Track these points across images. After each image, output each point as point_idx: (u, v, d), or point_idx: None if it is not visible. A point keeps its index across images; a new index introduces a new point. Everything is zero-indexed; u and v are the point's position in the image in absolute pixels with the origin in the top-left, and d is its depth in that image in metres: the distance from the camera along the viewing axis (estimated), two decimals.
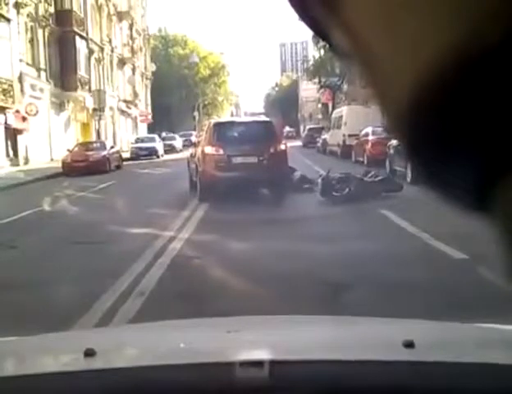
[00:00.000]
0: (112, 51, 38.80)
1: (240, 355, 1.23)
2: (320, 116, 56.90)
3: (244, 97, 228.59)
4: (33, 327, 2.74)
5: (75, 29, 30.44)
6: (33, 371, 1.24)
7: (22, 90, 25.16)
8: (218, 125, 11.46)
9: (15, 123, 24.12)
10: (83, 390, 1.07)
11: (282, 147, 10.75)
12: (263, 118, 15.39)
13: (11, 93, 23.84)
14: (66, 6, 30.26)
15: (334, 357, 1.20)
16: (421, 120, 0.23)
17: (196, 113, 51.20)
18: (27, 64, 26.25)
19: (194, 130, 40.05)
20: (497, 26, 0.20)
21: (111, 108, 36.52)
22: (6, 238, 7.49)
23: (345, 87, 41.70)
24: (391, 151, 14.33)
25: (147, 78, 49.97)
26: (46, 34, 28.46)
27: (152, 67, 51.34)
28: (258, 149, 10.29)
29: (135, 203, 11.03)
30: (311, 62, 49.18)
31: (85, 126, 32.62)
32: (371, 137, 17.84)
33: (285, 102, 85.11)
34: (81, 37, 31.33)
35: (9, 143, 24.41)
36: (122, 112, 40.45)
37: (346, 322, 1.82)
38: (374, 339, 1.41)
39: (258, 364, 1.01)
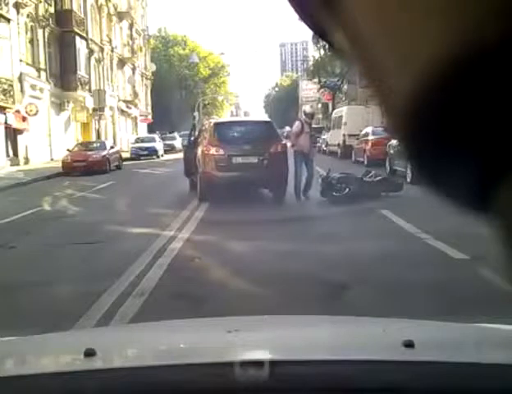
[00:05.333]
0: (112, 51, 38.77)
1: (240, 355, 1.23)
2: (320, 116, 56.89)
3: (244, 97, 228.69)
4: (33, 327, 2.74)
5: (75, 29, 30.42)
6: (33, 371, 1.24)
7: (22, 90, 25.16)
8: (219, 125, 11.45)
9: (15, 123, 24.11)
10: (83, 390, 1.07)
11: (283, 147, 10.74)
12: (263, 118, 15.39)
13: (11, 93, 23.83)
14: (66, 6, 30.24)
15: (334, 357, 1.20)
16: (421, 120, 0.23)
17: (196, 113, 51.19)
18: (27, 64, 26.24)
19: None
20: (497, 25, 0.20)
21: (111, 108, 36.50)
22: (6, 238, 7.49)
23: (345, 87, 41.68)
24: (391, 151, 14.35)
25: (147, 78, 49.96)
26: (46, 34, 28.45)
27: (152, 67, 51.31)
28: (259, 149, 10.28)
29: (135, 203, 11.03)
30: (311, 62, 49.19)
31: (85, 126, 32.61)
32: (371, 137, 17.85)
33: (285, 102, 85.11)
34: (81, 37, 31.31)
35: (9, 143, 24.41)
36: (122, 112, 40.43)
37: (346, 322, 1.82)
38: (374, 339, 1.41)
39: (258, 364, 1.01)
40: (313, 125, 12.02)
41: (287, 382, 1.03)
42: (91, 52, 33.49)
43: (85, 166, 19.57)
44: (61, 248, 6.81)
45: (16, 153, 24.82)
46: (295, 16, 0.30)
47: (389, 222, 7.81)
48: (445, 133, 0.23)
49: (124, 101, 40.83)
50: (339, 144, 22.87)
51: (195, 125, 14.87)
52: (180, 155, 15.67)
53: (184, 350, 1.38)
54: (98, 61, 35.73)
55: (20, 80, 25.21)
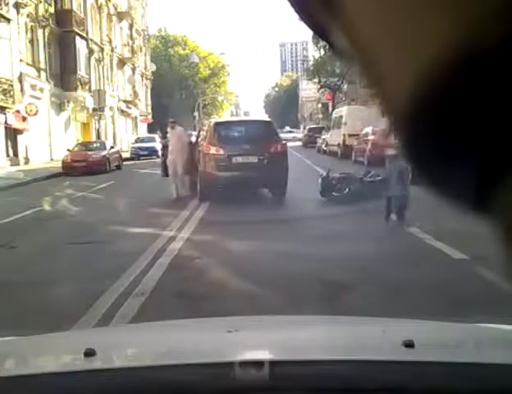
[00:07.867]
0: (112, 51, 38.76)
1: (240, 355, 1.23)
2: (320, 116, 56.91)
3: (244, 97, 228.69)
4: (33, 327, 2.74)
5: (75, 29, 30.42)
6: (33, 371, 1.24)
7: (22, 90, 25.15)
8: (219, 125, 11.46)
9: (15, 123, 24.11)
10: (83, 390, 1.07)
11: (282, 147, 10.74)
12: (263, 118, 15.40)
13: (11, 93, 23.83)
14: (66, 6, 30.24)
15: (334, 357, 1.20)
16: (421, 120, 0.23)
17: (196, 113, 51.19)
18: (27, 64, 26.23)
19: (194, 130, 40.16)
20: (498, 26, 0.20)
21: (111, 108, 36.48)
22: (6, 238, 7.49)
23: (345, 87, 41.70)
24: None
25: (147, 78, 49.95)
26: (46, 34, 28.45)
27: (152, 67, 51.29)
28: (259, 149, 10.28)
29: (135, 203, 11.02)
30: (311, 62, 49.22)
31: (85, 126, 32.60)
32: (371, 137, 17.84)
33: (285, 102, 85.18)
34: (81, 37, 31.30)
35: (9, 143, 24.41)
36: (122, 112, 40.42)
37: (346, 322, 1.82)
38: (374, 339, 1.41)
39: (258, 364, 1.01)
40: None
41: (287, 382, 1.03)
42: (91, 52, 33.48)
43: (85, 166, 19.57)
44: (61, 248, 6.81)
45: (15, 153, 24.82)
46: (295, 16, 0.30)
47: (389, 221, 7.80)
48: (445, 133, 0.23)
49: (124, 101, 40.82)
50: (339, 144, 22.87)
51: (163, 128, 15.98)
52: None
53: (184, 350, 1.38)
54: (98, 61, 35.72)
55: (20, 80, 25.20)
